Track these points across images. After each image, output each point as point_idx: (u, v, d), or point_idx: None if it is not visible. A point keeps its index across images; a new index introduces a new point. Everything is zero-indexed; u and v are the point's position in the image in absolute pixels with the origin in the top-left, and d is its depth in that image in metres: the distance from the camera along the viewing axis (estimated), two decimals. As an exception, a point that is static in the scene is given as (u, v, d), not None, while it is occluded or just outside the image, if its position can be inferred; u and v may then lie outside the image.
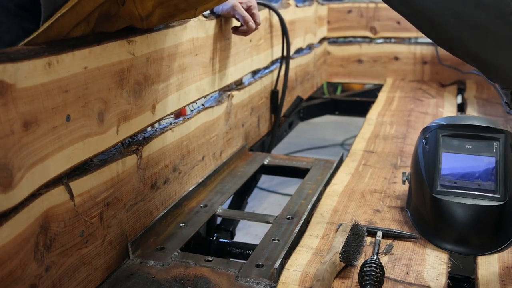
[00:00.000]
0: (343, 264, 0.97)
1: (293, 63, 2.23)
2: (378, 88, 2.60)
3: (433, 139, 1.15)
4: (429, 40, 2.63)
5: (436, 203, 1.08)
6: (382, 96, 2.35)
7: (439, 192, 1.08)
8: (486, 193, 1.07)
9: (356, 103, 2.74)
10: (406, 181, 1.21)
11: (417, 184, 1.15)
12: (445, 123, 1.17)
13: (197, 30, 1.34)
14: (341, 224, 1.12)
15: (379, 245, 1.05)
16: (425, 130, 1.20)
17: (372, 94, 2.63)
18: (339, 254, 0.97)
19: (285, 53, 1.97)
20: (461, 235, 1.05)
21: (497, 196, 1.06)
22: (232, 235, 1.56)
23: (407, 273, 0.98)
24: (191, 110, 1.42)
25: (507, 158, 1.10)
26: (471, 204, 1.05)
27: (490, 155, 1.11)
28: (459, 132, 1.14)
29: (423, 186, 1.12)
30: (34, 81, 0.79)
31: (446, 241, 1.06)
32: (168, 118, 1.27)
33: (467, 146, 1.13)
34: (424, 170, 1.13)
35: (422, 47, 2.68)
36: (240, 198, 1.69)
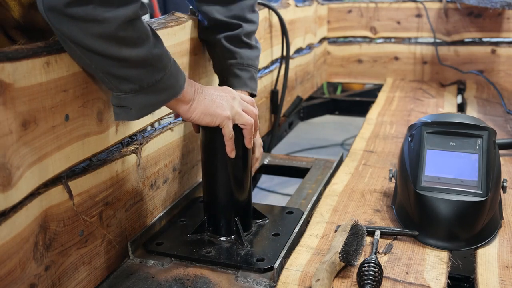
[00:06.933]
0: (342, 264, 0.97)
1: (293, 63, 2.22)
2: (378, 88, 2.60)
3: (418, 136, 1.17)
4: (429, 40, 2.67)
5: (419, 198, 1.09)
6: (382, 96, 2.35)
7: (422, 188, 1.09)
8: (468, 189, 1.08)
9: (356, 103, 2.74)
10: (393, 178, 1.22)
11: (402, 180, 1.16)
12: (429, 121, 1.18)
13: (195, 30, 1.34)
14: (339, 226, 1.12)
15: (377, 244, 1.05)
16: (411, 127, 1.22)
17: (372, 94, 2.63)
18: (339, 253, 0.97)
19: (284, 53, 1.97)
20: (444, 231, 1.06)
21: (480, 192, 1.07)
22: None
23: (407, 273, 0.97)
24: (191, 110, 1.41)
25: (490, 154, 1.12)
26: (454, 199, 1.06)
27: (473, 152, 1.13)
28: (443, 130, 1.16)
29: (408, 182, 1.13)
30: (32, 80, 0.79)
31: (429, 236, 1.07)
32: (168, 117, 1.27)
33: (451, 143, 1.15)
34: (408, 167, 1.14)
35: (422, 47, 2.67)
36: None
